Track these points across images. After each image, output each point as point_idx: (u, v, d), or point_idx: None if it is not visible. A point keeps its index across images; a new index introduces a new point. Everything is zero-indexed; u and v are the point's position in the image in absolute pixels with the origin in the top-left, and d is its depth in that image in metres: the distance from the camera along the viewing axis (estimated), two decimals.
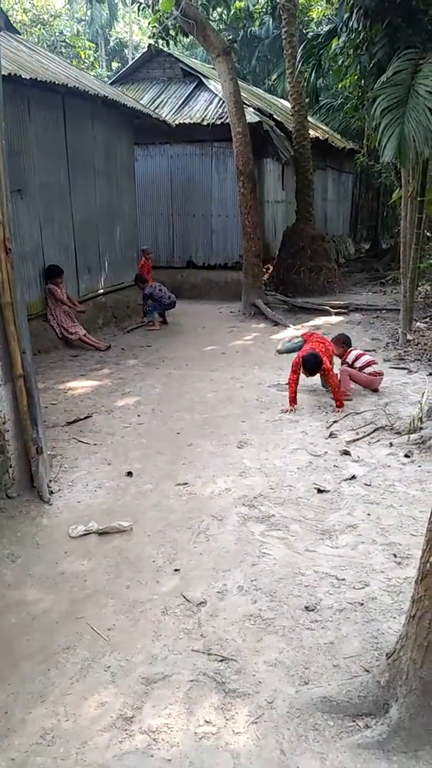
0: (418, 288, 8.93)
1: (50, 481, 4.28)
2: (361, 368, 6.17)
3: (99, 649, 2.73)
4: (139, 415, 5.72)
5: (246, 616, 2.89)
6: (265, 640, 2.73)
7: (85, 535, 3.65)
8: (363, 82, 8.93)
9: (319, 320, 10.09)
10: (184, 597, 3.05)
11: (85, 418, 5.62)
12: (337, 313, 10.28)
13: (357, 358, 6.25)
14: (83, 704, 2.43)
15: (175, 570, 3.29)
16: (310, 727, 2.24)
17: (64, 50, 21.37)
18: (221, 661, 2.61)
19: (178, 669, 2.58)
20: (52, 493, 4.15)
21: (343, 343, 6.45)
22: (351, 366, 6.20)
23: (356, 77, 9.45)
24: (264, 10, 19.33)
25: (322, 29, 9.52)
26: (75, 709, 2.41)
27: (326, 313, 10.40)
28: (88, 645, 2.76)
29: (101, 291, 9.84)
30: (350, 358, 6.27)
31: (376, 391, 6.14)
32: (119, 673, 2.58)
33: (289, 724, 2.27)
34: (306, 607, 2.93)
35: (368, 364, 6.20)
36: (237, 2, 17.45)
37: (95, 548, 3.53)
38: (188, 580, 3.20)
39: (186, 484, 4.32)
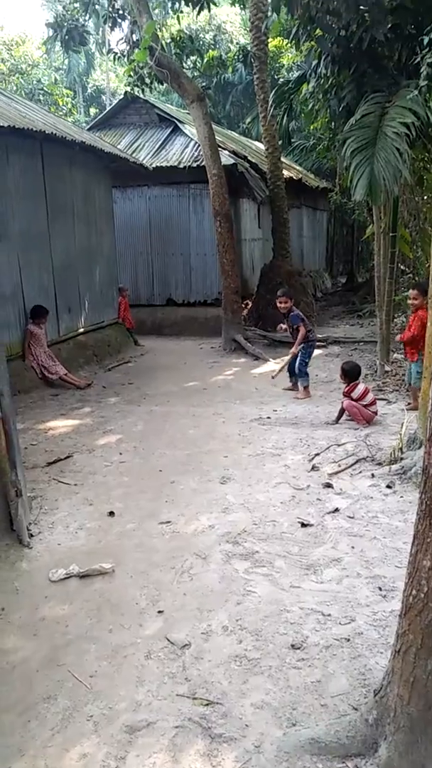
0: (394, 320, 9.10)
1: (30, 523, 4.21)
2: (367, 405, 6.23)
3: (81, 697, 2.65)
4: (120, 453, 5.68)
5: (231, 657, 2.83)
6: (251, 681, 2.67)
7: (66, 578, 3.57)
8: (333, 124, 9.24)
9: None
10: (168, 640, 2.99)
11: (66, 458, 5.56)
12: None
13: (364, 393, 6.27)
14: (65, 756, 2.35)
15: (159, 612, 3.23)
16: None
17: (42, 98, 21.90)
18: (207, 705, 2.55)
19: (162, 715, 2.51)
20: (32, 536, 4.07)
21: (348, 374, 6.42)
22: (356, 401, 6.23)
23: (326, 120, 9.78)
24: (236, 57, 20.04)
25: (292, 75, 9.90)
26: (56, 762, 2.32)
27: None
28: (69, 693, 2.67)
29: (81, 330, 9.87)
30: (357, 393, 6.25)
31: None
32: (102, 721, 2.50)
33: None
34: (292, 645, 2.88)
35: (373, 402, 6.30)
36: (210, 51, 18.07)
37: (76, 592, 3.45)
38: (172, 622, 3.13)
39: (169, 522, 4.27)
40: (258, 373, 9.10)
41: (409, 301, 6.61)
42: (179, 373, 9.20)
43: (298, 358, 7.68)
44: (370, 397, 6.30)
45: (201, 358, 10.42)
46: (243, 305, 11.84)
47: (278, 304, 7.85)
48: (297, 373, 7.71)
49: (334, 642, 2.89)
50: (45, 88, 23.18)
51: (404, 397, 7.08)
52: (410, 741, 2.02)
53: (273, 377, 7.80)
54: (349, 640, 2.90)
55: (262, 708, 2.51)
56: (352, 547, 3.80)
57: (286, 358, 7.82)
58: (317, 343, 10.49)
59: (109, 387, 8.41)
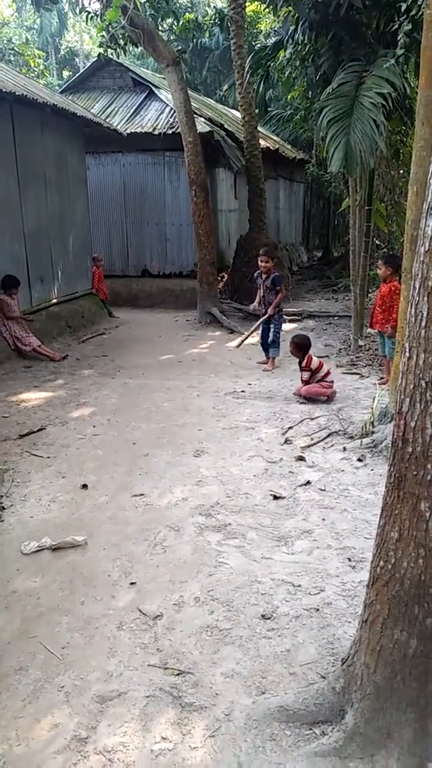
0: (368, 295, 9.12)
1: (2, 496, 4.18)
2: (324, 376, 6.25)
3: (52, 668, 2.66)
4: (94, 426, 5.65)
5: (203, 628, 2.87)
6: (222, 651, 2.71)
7: (38, 551, 3.56)
8: (310, 93, 9.10)
9: None
10: (140, 611, 3.01)
11: (39, 430, 5.51)
12: (291, 320, 10.40)
13: (320, 365, 6.31)
14: (36, 727, 2.36)
15: (131, 583, 3.24)
16: (267, 738, 2.23)
17: (12, 58, 21.10)
18: (178, 674, 2.58)
19: (134, 685, 2.53)
20: (3, 508, 4.04)
21: (300, 347, 6.45)
22: (314, 373, 6.26)
23: (303, 88, 9.62)
24: (213, 21, 19.51)
25: (270, 41, 9.66)
26: (27, 732, 2.34)
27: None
28: (41, 665, 2.68)
29: (54, 301, 9.70)
30: (315, 363, 6.30)
31: (329, 399, 6.20)
32: (73, 692, 2.52)
33: (247, 735, 2.25)
34: (263, 616, 2.92)
35: (328, 373, 6.31)
36: (186, 14, 17.56)
37: (49, 564, 3.45)
38: (144, 594, 3.15)
39: (142, 495, 4.28)
40: (233, 347, 9.07)
41: (379, 272, 6.66)
42: (154, 346, 9.14)
43: (273, 328, 7.62)
44: (326, 368, 6.32)
45: (176, 330, 10.35)
46: (219, 278, 11.75)
47: (260, 263, 7.58)
48: (271, 344, 7.67)
49: (304, 612, 2.94)
50: (16, 48, 22.30)
51: (377, 372, 7.15)
52: (376, 708, 2.07)
53: (238, 346, 7.63)
54: (318, 610, 2.95)
55: (233, 677, 2.55)
56: (323, 519, 3.85)
57: (258, 325, 7.78)
58: (293, 317, 10.56)
59: (83, 359, 8.32)
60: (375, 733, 2.07)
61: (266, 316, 7.56)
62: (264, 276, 7.63)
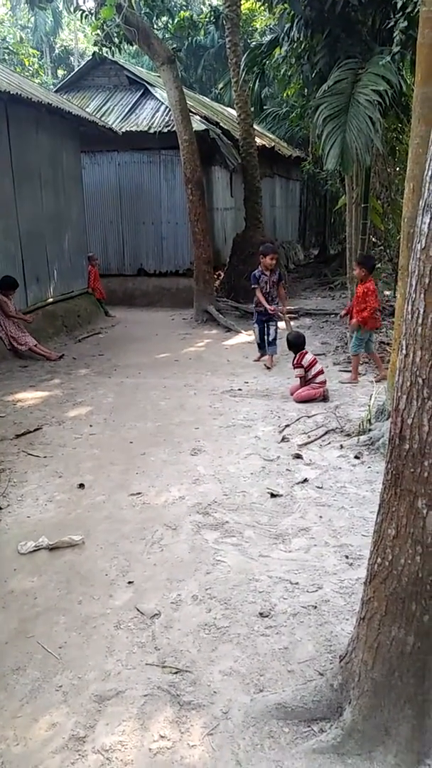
0: None
1: None
2: (315, 375, 6.23)
3: (50, 668, 2.65)
4: (91, 426, 5.64)
5: (200, 626, 2.87)
6: (219, 649, 2.71)
7: (35, 550, 3.55)
8: (306, 90, 9.09)
9: None
10: (138, 610, 3.01)
11: (35, 430, 5.50)
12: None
13: (313, 362, 6.29)
14: (34, 726, 2.35)
15: (129, 582, 3.24)
16: (265, 735, 2.23)
17: (7, 57, 21.06)
18: (176, 673, 2.58)
19: (131, 684, 2.53)
20: (0, 509, 4.03)
21: (293, 345, 6.49)
22: (306, 370, 6.26)
23: (299, 86, 9.61)
24: (208, 19, 19.48)
25: (265, 39, 9.65)
26: (25, 732, 2.33)
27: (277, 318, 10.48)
28: (38, 664, 2.68)
29: (50, 300, 9.68)
30: (306, 360, 6.29)
31: (325, 399, 6.19)
32: (71, 691, 2.51)
33: (245, 733, 2.25)
34: (260, 614, 2.92)
35: (320, 372, 6.27)
36: (181, 12, 17.52)
37: (46, 564, 3.44)
38: (142, 592, 3.15)
39: (139, 493, 4.27)
40: (229, 345, 9.08)
41: (354, 273, 6.77)
42: (150, 345, 9.13)
43: (272, 327, 7.69)
44: (318, 366, 6.29)
45: (172, 329, 10.34)
46: (215, 276, 11.74)
47: (268, 261, 7.58)
48: (270, 342, 7.72)
49: (302, 609, 2.94)
50: (10, 47, 22.27)
51: (373, 370, 7.15)
52: (374, 705, 2.07)
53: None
54: (316, 607, 2.96)
55: (230, 675, 2.55)
56: (320, 517, 3.85)
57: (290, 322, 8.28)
58: (290, 315, 10.53)
59: (79, 358, 8.30)
60: (373, 730, 2.07)
61: (285, 311, 7.97)
62: (269, 273, 7.65)
